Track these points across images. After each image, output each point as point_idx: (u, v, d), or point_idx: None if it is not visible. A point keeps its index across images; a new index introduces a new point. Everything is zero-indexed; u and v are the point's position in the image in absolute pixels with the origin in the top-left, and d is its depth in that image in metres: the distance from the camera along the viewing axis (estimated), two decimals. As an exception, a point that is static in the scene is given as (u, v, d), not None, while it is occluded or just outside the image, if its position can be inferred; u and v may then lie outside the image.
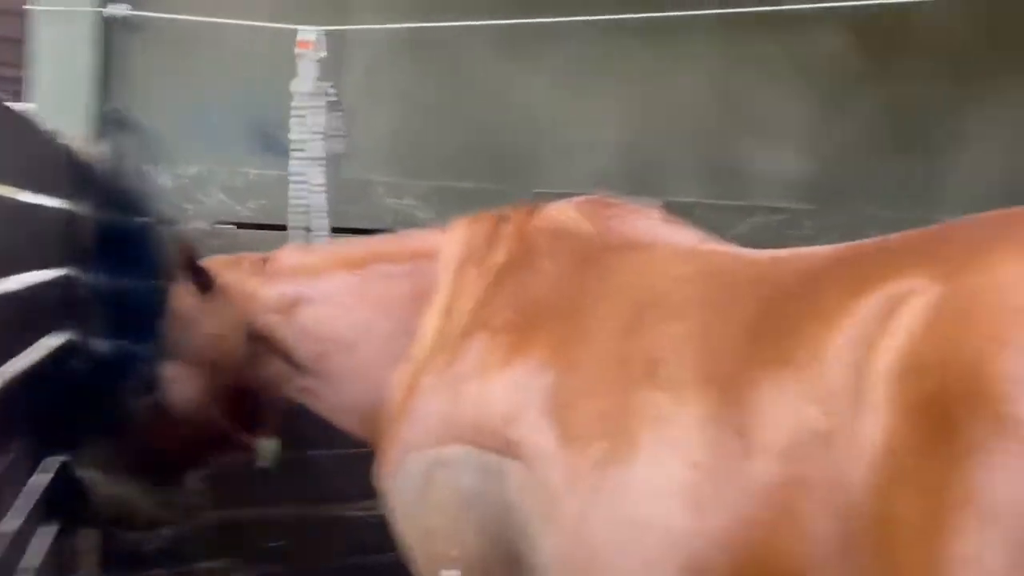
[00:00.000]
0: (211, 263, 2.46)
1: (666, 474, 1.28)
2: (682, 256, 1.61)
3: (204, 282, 2.39)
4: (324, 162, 2.87)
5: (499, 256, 1.86)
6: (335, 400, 2.21)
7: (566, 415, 1.50)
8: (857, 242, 1.32)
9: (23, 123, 2.32)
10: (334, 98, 2.86)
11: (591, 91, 3.77)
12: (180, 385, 2.43)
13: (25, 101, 2.86)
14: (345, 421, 2.25)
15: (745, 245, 1.74)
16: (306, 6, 3.14)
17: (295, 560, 3.25)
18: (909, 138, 4.10)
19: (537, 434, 1.52)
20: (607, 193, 3.47)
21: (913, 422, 1.00)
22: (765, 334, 1.25)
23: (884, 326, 1.07)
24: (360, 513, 3.24)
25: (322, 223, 2.84)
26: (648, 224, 1.80)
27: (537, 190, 3.12)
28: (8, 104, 2.02)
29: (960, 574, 0.90)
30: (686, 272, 1.53)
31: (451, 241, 2.02)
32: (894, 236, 1.25)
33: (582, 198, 1.95)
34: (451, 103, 3.55)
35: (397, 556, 1.93)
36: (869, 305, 1.11)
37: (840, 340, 1.12)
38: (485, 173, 3.54)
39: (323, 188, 2.85)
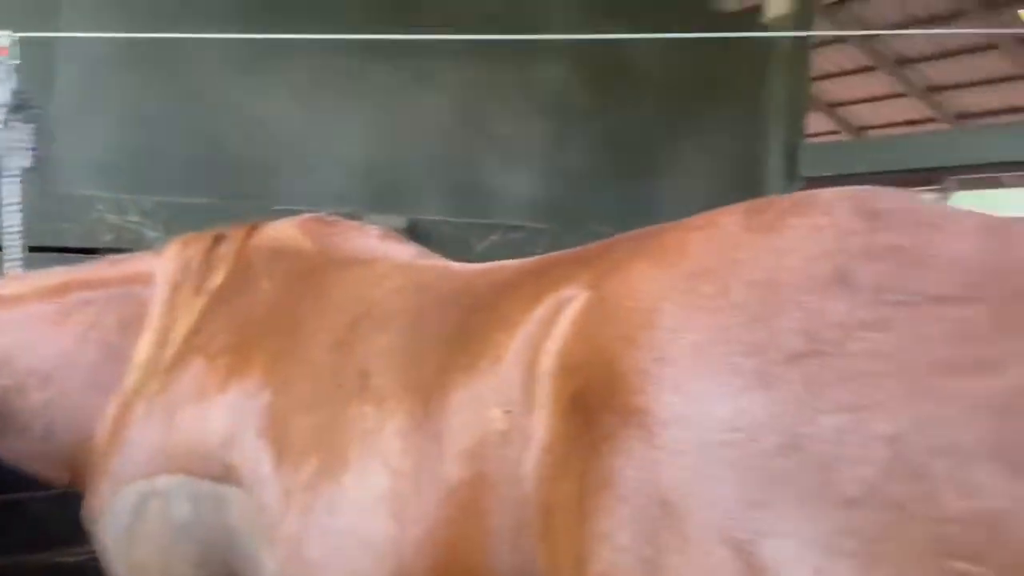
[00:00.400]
0: None
1: (371, 485, 1.32)
2: (396, 270, 1.66)
3: None
4: (19, 177, 2.59)
5: (216, 278, 1.80)
6: (28, 438, 1.97)
7: (281, 434, 1.48)
8: (552, 254, 1.44)
9: None
10: (33, 108, 2.61)
11: (334, 108, 3.74)
12: None
13: None
14: (40, 462, 2.02)
15: (486, 260, 1.81)
16: (9, 10, 2.86)
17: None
18: (629, 163, 4.48)
19: (254, 456, 1.50)
20: (349, 210, 3.50)
21: (565, 416, 1.11)
22: (460, 342, 1.33)
23: (548, 330, 1.19)
24: (80, 558, 2.98)
25: (14, 243, 2.56)
26: (367, 241, 1.82)
27: (276, 207, 3.03)
28: None
29: (599, 549, 1.00)
30: (397, 285, 1.58)
31: (165, 264, 1.91)
32: (579, 248, 1.37)
33: (304, 216, 1.93)
34: (179, 115, 3.36)
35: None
36: (540, 311, 1.22)
37: (517, 345, 1.22)
38: (219, 188, 3.38)
39: (17, 205, 2.56)
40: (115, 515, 1.68)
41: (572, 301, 1.19)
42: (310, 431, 1.44)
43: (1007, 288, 0.94)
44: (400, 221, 3.74)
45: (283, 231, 1.87)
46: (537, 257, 1.47)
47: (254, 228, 1.91)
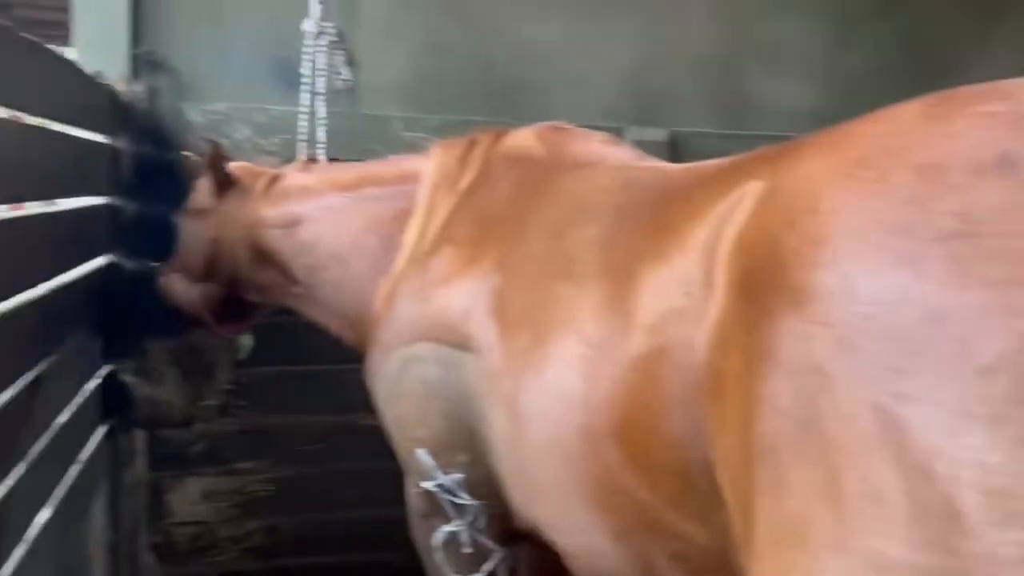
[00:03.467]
0: (235, 168, 2.71)
1: (569, 352, 1.52)
2: (610, 171, 1.82)
3: (223, 183, 2.65)
4: (324, 97, 3.09)
5: (466, 178, 2.10)
6: (325, 307, 2.48)
7: (504, 311, 1.75)
8: (750, 152, 1.50)
9: (69, 67, 2.60)
10: (335, 37, 3.06)
11: (599, 22, 3.87)
12: (176, 275, 2.74)
13: (69, 45, 3.13)
14: (335, 326, 2.52)
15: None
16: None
17: (323, 463, 3.58)
18: (923, 68, 4.12)
19: (484, 328, 1.78)
20: (613, 125, 3.64)
21: (734, 295, 1.21)
22: (654, 232, 1.47)
23: (728, 219, 1.28)
24: (377, 423, 3.55)
25: (321, 155, 3.08)
26: (593, 147, 1.99)
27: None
28: (55, 49, 2.29)
29: (761, 411, 1.10)
30: (610, 184, 1.74)
31: (430, 165, 2.25)
32: (775, 146, 1.43)
33: (541, 125, 2.15)
34: (463, 41, 3.71)
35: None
36: (724, 203, 1.32)
37: (702, 233, 1.33)
38: (495, 107, 3.70)
39: (322, 122, 3.07)
40: (384, 376, 2.07)
41: (751, 192, 1.27)
42: (526, 308, 1.68)
43: None
44: (661, 134, 3.83)
45: (522, 138, 2.11)
46: (735, 156, 1.54)
47: (500, 135, 2.17)
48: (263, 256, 2.57)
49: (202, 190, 2.73)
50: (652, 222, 1.50)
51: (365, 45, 3.39)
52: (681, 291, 1.33)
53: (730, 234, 1.26)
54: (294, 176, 2.63)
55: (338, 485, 3.61)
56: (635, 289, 1.43)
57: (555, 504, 1.60)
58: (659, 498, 1.37)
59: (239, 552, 3.54)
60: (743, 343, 1.16)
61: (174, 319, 2.81)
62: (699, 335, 1.27)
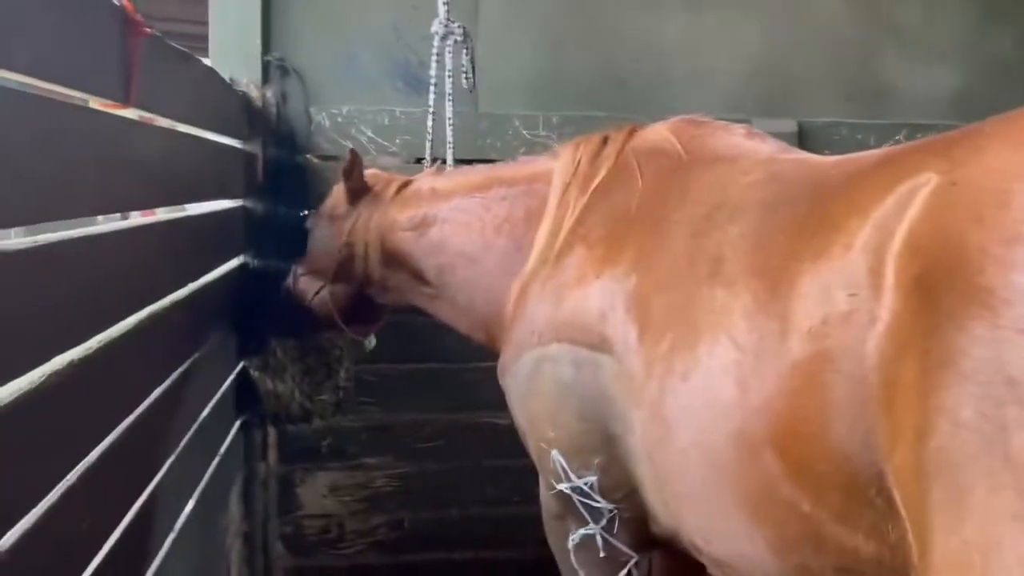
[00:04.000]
0: (369, 175, 2.78)
1: (719, 357, 1.44)
2: (756, 165, 1.72)
3: (357, 189, 2.71)
4: (451, 98, 3.11)
5: (598, 176, 2.05)
6: (456, 307, 2.49)
7: (644, 312, 1.68)
8: (912, 142, 1.40)
9: (210, 75, 2.72)
10: (460, 37, 3.07)
11: (722, 10, 3.74)
12: (309, 277, 2.81)
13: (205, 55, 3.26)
14: (465, 325, 2.53)
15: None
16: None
17: (446, 459, 3.62)
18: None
19: (622, 330, 1.72)
20: (739, 117, 3.52)
21: (909, 297, 1.11)
22: (811, 230, 1.37)
23: (898, 216, 1.19)
24: (500, 420, 3.56)
25: (448, 154, 3.11)
26: (732, 139, 1.90)
27: (666, 117, 3.18)
28: (197, 58, 2.39)
29: (940, 423, 1.01)
30: (754, 179, 1.65)
31: (560, 164, 2.21)
32: (940, 136, 1.33)
33: (676, 118, 2.07)
34: (582, 36, 3.65)
35: (530, 460, 2.18)
36: (892, 199, 1.22)
37: (867, 231, 1.24)
38: (616, 103, 3.64)
39: (450, 122, 3.10)
40: (517, 375, 2.05)
41: (923, 187, 1.18)
42: (668, 310, 1.61)
43: None
44: (790, 125, 3.68)
45: (657, 133, 2.04)
46: (894, 147, 1.44)
47: (633, 131, 2.10)
48: (394, 258, 2.61)
49: (337, 195, 2.81)
50: (806, 219, 1.41)
51: (485, 44, 3.40)
52: (845, 293, 1.24)
53: (902, 231, 1.16)
54: (425, 180, 2.67)
55: (462, 482, 3.64)
56: (791, 291, 1.34)
57: (705, 512, 1.53)
58: (823, 511, 1.29)
59: (366, 546, 3.62)
60: (919, 349, 1.07)
61: (302, 318, 2.89)
62: (868, 341, 1.18)
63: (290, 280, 2.92)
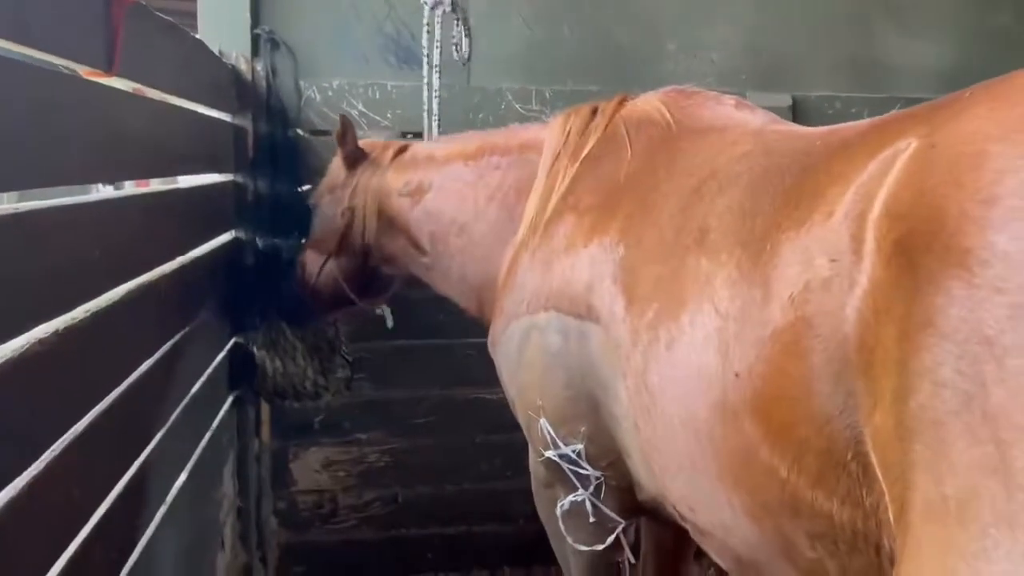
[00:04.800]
0: (365, 143, 2.79)
1: (702, 325, 1.45)
2: (745, 136, 1.72)
3: (353, 156, 2.72)
4: (438, 69, 3.10)
5: (588, 145, 2.04)
6: (449, 276, 2.50)
7: (632, 282, 1.68)
8: (898, 111, 1.40)
9: (197, 46, 2.69)
10: (449, 7, 3.05)
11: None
12: (313, 253, 2.81)
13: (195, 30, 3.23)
14: (458, 296, 2.54)
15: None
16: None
17: (439, 435, 3.63)
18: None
19: (610, 300, 1.72)
20: (732, 90, 3.50)
21: (889, 261, 1.11)
22: (794, 199, 1.37)
23: (879, 182, 1.18)
24: (492, 396, 3.57)
25: (433, 125, 3.10)
26: (722, 110, 1.89)
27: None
28: (184, 29, 2.37)
29: (919, 383, 1.01)
30: (743, 150, 1.64)
31: (551, 133, 2.21)
32: (926, 104, 1.32)
33: (666, 89, 2.06)
34: (575, 8, 3.63)
35: (522, 435, 2.19)
36: (873, 165, 1.22)
37: (848, 198, 1.24)
38: (610, 76, 3.61)
39: (436, 93, 3.09)
40: (506, 344, 2.05)
41: (904, 152, 1.18)
42: (654, 280, 1.61)
43: None
44: (784, 99, 3.67)
45: (647, 103, 2.03)
46: (880, 116, 1.43)
47: (623, 101, 2.10)
48: (392, 224, 2.62)
49: (335, 167, 2.82)
50: (791, 189, 1.41)
51: (477, 17, 3.37)
52: (826, 259, 1.24)
53: (882, 197, 1.17)
54: (421, 146, 2.68)
55: (455, 458, 3.65)
56: (773, 259, 1.34)
57: (688, 480, 1.54)
58: (801, 476, 1.30)
59: (359, 521, 3.63)
60: (899, 312, 1.08)
61: (313, 302, 2.92)
62: (848, 306, 1.19)
63: (298, 264, 2.93)
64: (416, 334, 3.45)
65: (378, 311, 3.03)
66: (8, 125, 1.27)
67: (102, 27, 1.62)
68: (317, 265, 2.83)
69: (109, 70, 1.60)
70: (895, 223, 1.12)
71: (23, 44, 1.32)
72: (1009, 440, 0.92)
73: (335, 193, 2.78)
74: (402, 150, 2.67)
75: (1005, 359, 0.94)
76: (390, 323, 3.06)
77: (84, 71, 1.59)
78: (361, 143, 2.77)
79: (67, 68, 1.59)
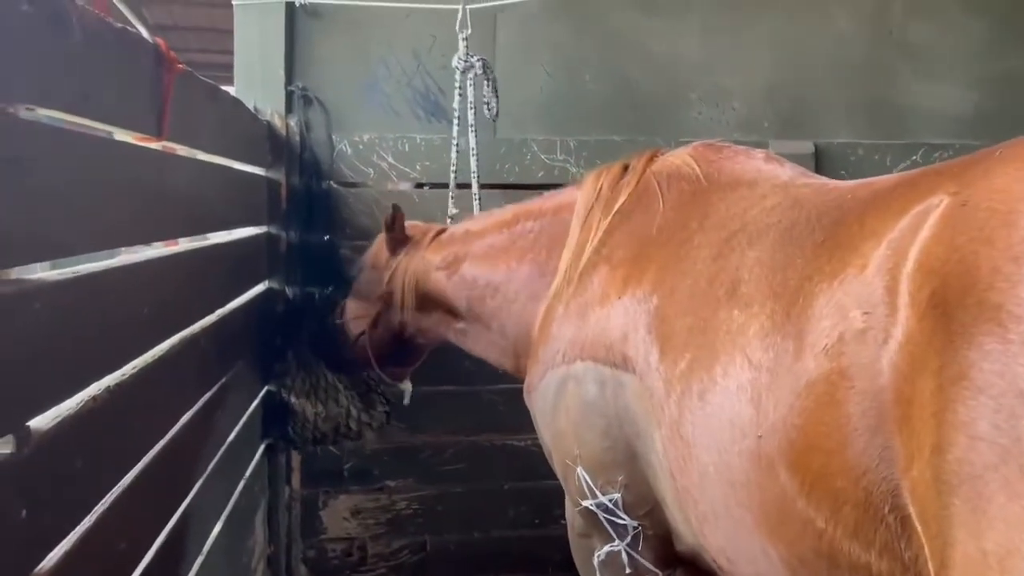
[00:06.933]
0: (408, 227, 2.92)
1: (735, 376, 1.47)
2: (775, 189, 1.75)
3: (398, 242, 2.86)
4: (474, 128, 3.19)
5: (620, 199, 2.09)
6: (485, 336, 2.59)
7: (665, 333, 1.71)
8: (927, 167, 1.43)
9: (235, 105, 2.78)
10: (480, 70, 3.15)
11: (738, 33, 3.77)
12: (355, 317, 2.91)
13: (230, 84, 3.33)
14: (494, 354, 2.62)
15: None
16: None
17: (467, 482, 3.63)
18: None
19: (644, 350, 1.75)
20: (754, 140, 3.55)
21: (923, 315, 1.14)
22: (827, 252, 1.40)
23: (911, 237, 1.22)
24: (521, 443, 3.59)
25: (473, 183, 3.20)
26: (752, 163, 1.93)
27: (683, 139, 3.21)
28: (222, 88, 2.45)
29: (956, 437, 1.03)
30: (773, 203, 1.68)
31: (583, 190, 2.28)
32: (956, 159, 1.36)
33: (697, 143, 2.11)
34: (597, 60, 3.70)
35: (554, 482, 2.20)
36: (905, 220, 1.25)
37: (881, 252, 1.27)
38: (633, 125, 3.68)
39: (474, 152, 3.19)
40: (543, 393, 2.08)
41: (935, 208, 1.21)
42: (687, 331, 1.64)
43: None
44: (807, 146, 3.71)
45: (677, 157, 2.08)
46: (909, 171, 1.47)
47: (654, 156, 2.15)
48: (428, 298, 2.74)
49: (378, 246, 2.96)
50: (823, 241, 1.44)
51: (501, 70, 3.45)
52: (859, 312, 1.26)
53: (915, 252, 1.19)
54: (459, 225, 2.81)
55: (483, 505, 3.65)
56: (806, 311, 1.37)
57: (724, 530, 1.55)
58: (837, 527, 1.31)
59: (388, 569, 3.63)
60: (934, 366, 1.10)
61: (337, 344, 3.01)
62: (883, 358, 1.21)
63: (338, 319, 3.05)
64: (443, 380, 3.48)
65: (400, 386, 3.10)
66: (64, 191, 1.32)
67: (153, 94, 1.70)
68: (354, 334, 2.97)
69: (160, 135, 1.67)
70: (928, 277, 1.15)
71: (84, 116, 1.39)
72: None
73: (376, 271, 2.92)
74: (441, 232, 2.81)
75: None
76: (407, 400, 3.14)
77: (136, 137, 1.66)
78: (407, 226, 2.90)
79: (112, 134, 1.66)
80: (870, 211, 1.38)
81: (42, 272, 1.38)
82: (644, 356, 1.75)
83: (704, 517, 1.61)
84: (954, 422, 1.04)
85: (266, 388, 3.10)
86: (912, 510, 1.17)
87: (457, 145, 3.23)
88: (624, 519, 1.87)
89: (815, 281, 1.38)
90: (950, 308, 1.09)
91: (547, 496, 3.23)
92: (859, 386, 1.24)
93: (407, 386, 3.13)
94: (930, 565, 1.12)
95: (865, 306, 1.26)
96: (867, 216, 1.37)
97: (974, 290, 1.06)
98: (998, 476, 0.99)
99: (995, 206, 1.10)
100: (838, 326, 1.29)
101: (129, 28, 1.57)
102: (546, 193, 2.61)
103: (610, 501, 1.88)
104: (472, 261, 2.59)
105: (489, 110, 3.18)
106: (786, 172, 1.87)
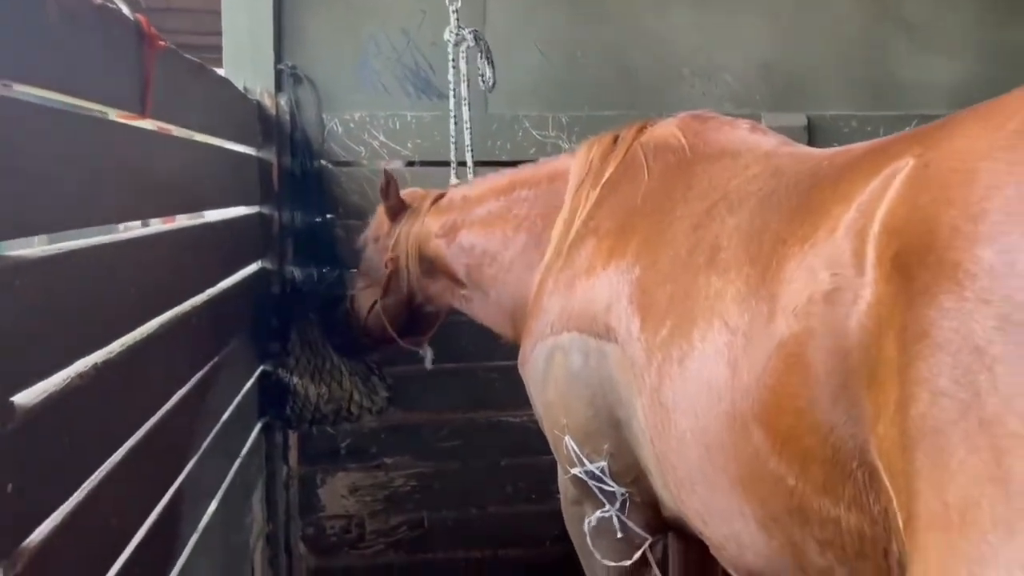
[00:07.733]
0: (406, 194, 2.95)
1: (712, 340, 1.49)
2: (757, 159, 1.76)
3: (395, 208, 2.89)
4: (467, 102, 3.19)
5: (608, 171, 2.11)
6: (486, 305, 2.63)
7: (646, 302, 1.73)
8: (904, 132, 1.44)
9: (222, 83, 2.78)
10: (472, 42, 3.13)
11: (730, 6, 3.76)
12: (363, 294, 2.95)
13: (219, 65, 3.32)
14: (496, 323, 2.67)
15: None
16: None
17: (464, 458, 3.66)
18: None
19: (626, 319, 1.77)
20: (747, 112, 3.54)
21: (888, 275, 1.16)
22: (800, 217, 1.42)
23: (878, 200, 1.23)
24: (517, 419, 3.61)
25: (467, 157, 3.19)
26: (737, 134, 1.93)
27: (675, 114, 3.19)
28: (211, 68, 2.45)
29: (919, 392, 1.05)
30: (754, 172, 1.69)
31: (576, 162, 2.30)
32: (930, 124, 1.36)
33: (683, 114, 2.11)
34: (591, 33, 3.68)
35: (549, 457, 2.22)
36: (873, 183, 1.27)
37: (850, 215, 1.28)
38: (625, 101, 3.66)
39: (467, 125, 3.18)
40: (534, 364, 2.11)
41: (901, 171, 1.22)
42: (668, 299, 1.66)
43: None
44: (800, 119, 3.69)
45: (664, 128, 2.09)
46: (885, 137, 1.47)
47: (643, 127, 2.16)
48: (432, 265, 2.77)
49: (379, 217, 2.99)
50: (797, 206, 1.45)
51: (493, 46, 3.42)
52: (829, 273, 1.28)
53: (881, 214, 1.21)
54: (457, 190, 2.81)
55: (480, 481, 3.68)
56: (779, 274, 1.39)
57: (702, 494, 1.57)
58: (808, 484, 1.33)
59: (386, 545, 3.67)
60: (898, 324, 1.12)
61: (350, 331, 3.08)
62: (851, 318, 1.23)
63: (347, 300, 3.11)
64: (440, 358, 3.49)
65: (420, 352, 3.12)
66: (47, 169, 1.33)
67: (135, 72, 1.70)
68: (366, 307, 3.01)
69: (142, 113, 1.67)
70: (893, 238, 1.17)
71: (64, 92, 1.39)
72: (1005, 447, 0.95)
73: (380, 242, 2.96)
74: (439, 197, 2.82)
75: (996, 368, 0.98)
76: (429, 364, 3.15)
77: (118, 114, 1.66)
78: (404, 193, 2.93)
79: (101, 112, 1.66)
80: (844, 176, 1.39)
81: (33, 248, 1.39)
82: (626, 326, 1.76)
83: (681, 482, 1.63)
84: (916, 378, 1.06)
85: (261, 368, 3.11)
86: (879, 464, 1.19)
87: (455, 118, 3.22)
88: (612, 486, 1.90)
89: (788, 244, 1.40)
90: (913, 268, 1.11)
91: (543, 472, 3.25)
92: (827, 346, 1.26)
93: (427, 351, 3.16)
94: (898, 518, 1.14)
95: (834, 267, 1.28)
96: (840, 181, 1.39)
97: (934, 249, 1.08)
98: (958, 430, 1.01)
99: (955, 166, 1.11)
100: (807, 287, 1.31)
101: (109, 4, 1.57)
102: (542, 159, 2.62)
103: (598, 468, 1.90)
104: (469, 228, 2.62)
105: (484, 81, 3.17)
106: (769, 141, 1.88)
